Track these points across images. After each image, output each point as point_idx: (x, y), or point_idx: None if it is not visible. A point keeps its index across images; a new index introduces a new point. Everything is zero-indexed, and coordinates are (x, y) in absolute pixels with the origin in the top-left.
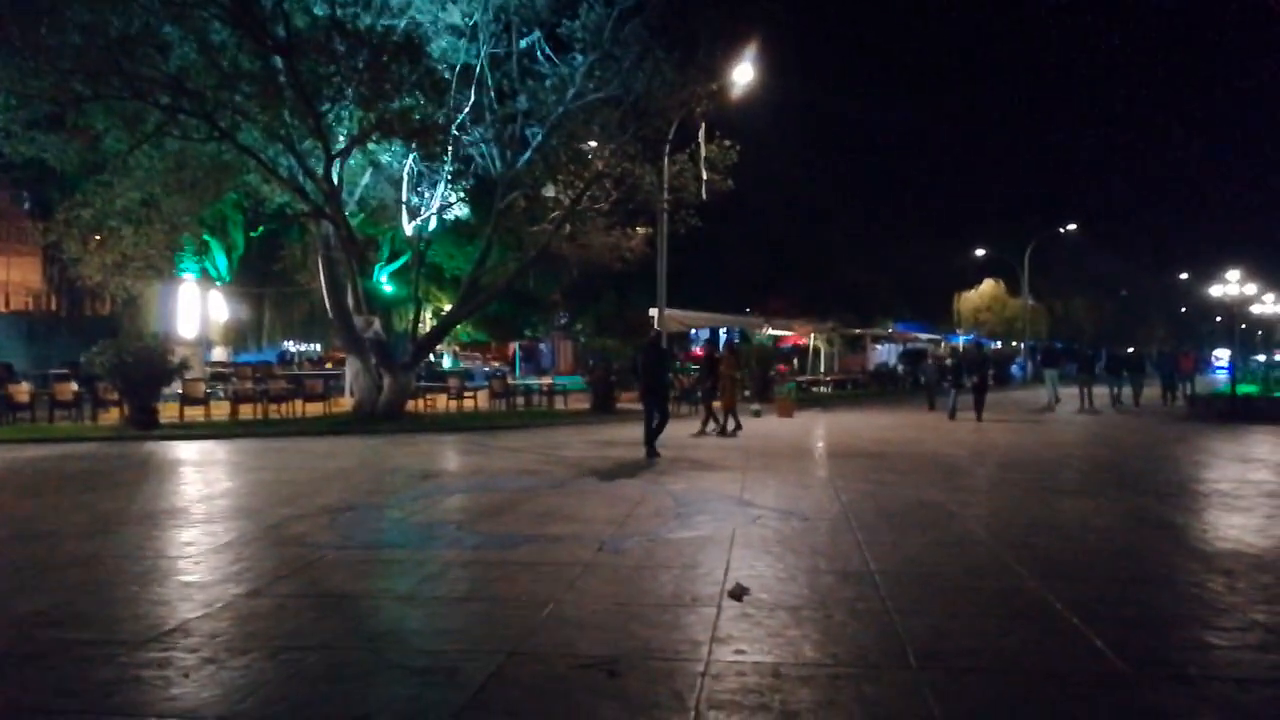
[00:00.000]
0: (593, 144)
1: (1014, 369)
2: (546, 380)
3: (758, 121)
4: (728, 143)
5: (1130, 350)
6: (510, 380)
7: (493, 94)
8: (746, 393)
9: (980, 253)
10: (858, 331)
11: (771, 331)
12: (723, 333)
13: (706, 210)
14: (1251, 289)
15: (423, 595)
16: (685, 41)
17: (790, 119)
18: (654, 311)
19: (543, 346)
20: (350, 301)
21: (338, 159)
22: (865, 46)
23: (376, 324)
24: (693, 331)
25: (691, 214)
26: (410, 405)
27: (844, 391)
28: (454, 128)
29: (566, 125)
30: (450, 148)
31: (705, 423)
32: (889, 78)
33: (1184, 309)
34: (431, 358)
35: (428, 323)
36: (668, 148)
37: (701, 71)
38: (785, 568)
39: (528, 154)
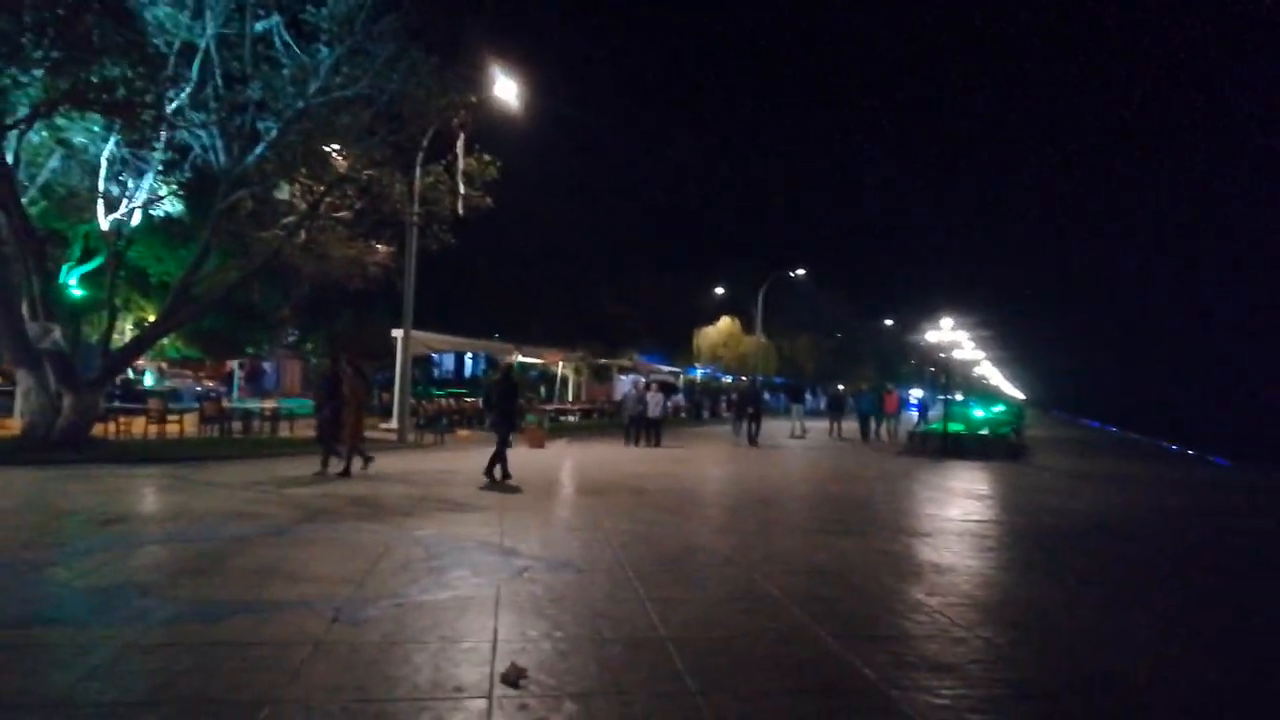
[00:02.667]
0: (336, 145)
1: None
2: (270, 403)
3: (519, 142)
4: (487, 157)
5: (839, 388)
6: (226, 403)
7: (219, 78)
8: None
9: (720, 291)
10: (604, 361)
11: (521, 358)
12: (469, 357)
13: (461, 228)
14: (957, 335)
15: (82, 699)
16: (447, 47)
17: (551, 143)
18: (397, 332)
19: (267, 366)
20: (24, 305)
21: (13, 131)
22: (628, 82)
23: (57, 333)
24: (435, 355)
25: (445, 230)
26: (99, 430)
27: (591, 421)
28: (168, 109)
29: (306, 121)
30: (162, 132)
31: (325, 461)
32: (646, 115)
33: (889, 351)
34: (131, 375)
35: (128, 334)
36: (422, 157)
37: (462, 80)
38: (565, 636)
39: (259, 149)
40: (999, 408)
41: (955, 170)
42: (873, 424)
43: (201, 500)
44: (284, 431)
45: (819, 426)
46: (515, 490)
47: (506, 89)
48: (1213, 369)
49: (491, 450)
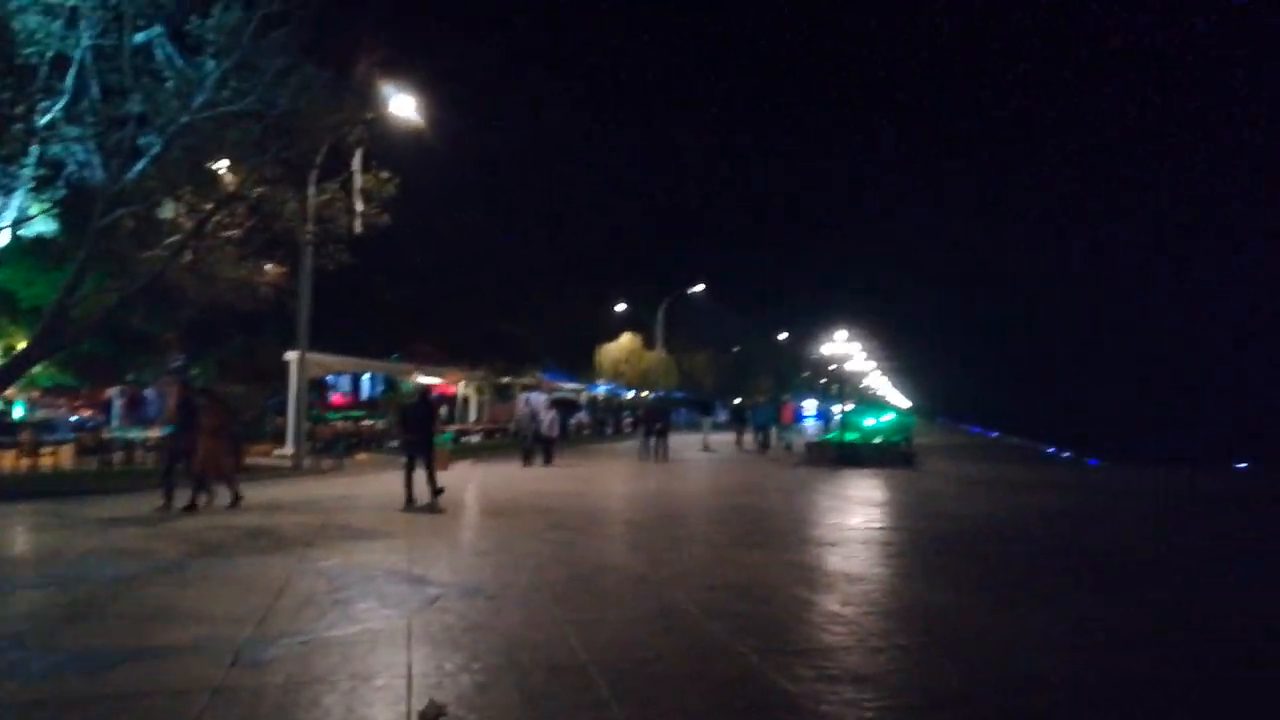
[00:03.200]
0: (225, 162)
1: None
2: (154, 432)
3: (418, 158)
4: (385, 174)
5: (737, 402)
6: (106, 433)
7: (97, 91)
8: (394, 443)
9: (621, 307)
10: (507, 380)
11: (422, 379)
12: (366, 379)
13: (358, 246)
14: (850, 346)
15: None
16: (340, 63)
17: (452, 160)
18: (291, 355)
19: (149, 393)
20: None
21: None
22: (531, 101)
23: None
24: (329, 378)
25: (342, 249)
26: None
27: (494, 441)
28: (40, 123)
29: (192, 137)
30: (33, 147)
31: (169, 496)
32: (547, 134)
33: (784, 364)
34: (0, 406)
35: None
36: (316, 174)
37: (358, 96)
38: (484, 667)
39: (140, 165)
40: (889, 416)
41: (849, 185)
42: (772, 434)
43: (81, 538)
44: None
45: (725, 439)
46: (421, 515)
47: (404, 105)
48: (1086, 375)
49: (406, 474)
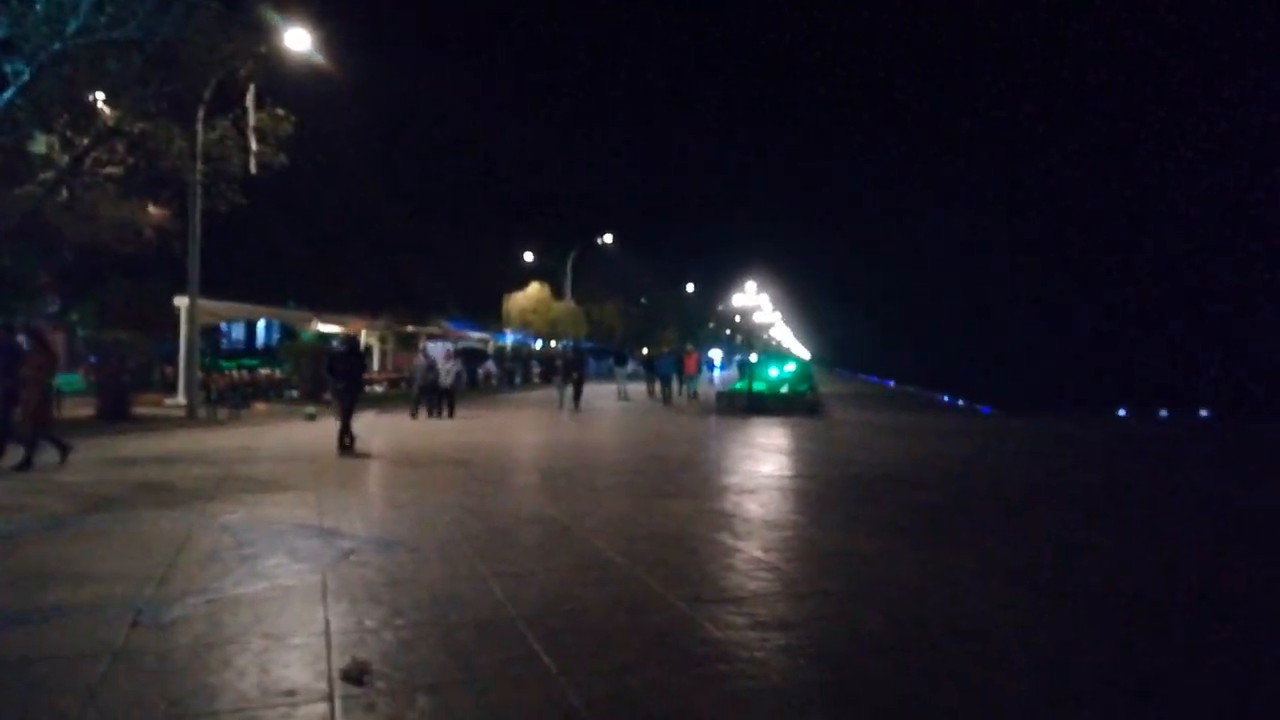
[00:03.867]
0: (102, 94)
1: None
2: None
3: (319, 97)
4: (280, 112)
5: (645, 352)
6: None
7: None
8: (294, 393)
9: (529, 256)
10: (411, 329)
11: (322, 327)
12: (260, 326)
13: (253, 187)
14: (758, 298)
15: None
16: None
17: (355, 100)
18: (180, 300)
19: (22, 339)
20: None
21: None
22: (436, 38)
23: None
24: (223, 325)
25: (235, 189)
26: None
27: (398, 391)
28: None
29: (67, 66)
30: None
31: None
32: (458, 72)
33: (691, 314)
34: None
35: None
36: (204, 110)
37: (249, 29)
38: (407, 623)
39: (8, 94)
40: (791, 366)
41: (758, 136)
42: (675, 385)
43: None
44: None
45: (638, 389)
46: (328, 466)
47: (301, 40)
48: (979, 327)
49: (343, 421)
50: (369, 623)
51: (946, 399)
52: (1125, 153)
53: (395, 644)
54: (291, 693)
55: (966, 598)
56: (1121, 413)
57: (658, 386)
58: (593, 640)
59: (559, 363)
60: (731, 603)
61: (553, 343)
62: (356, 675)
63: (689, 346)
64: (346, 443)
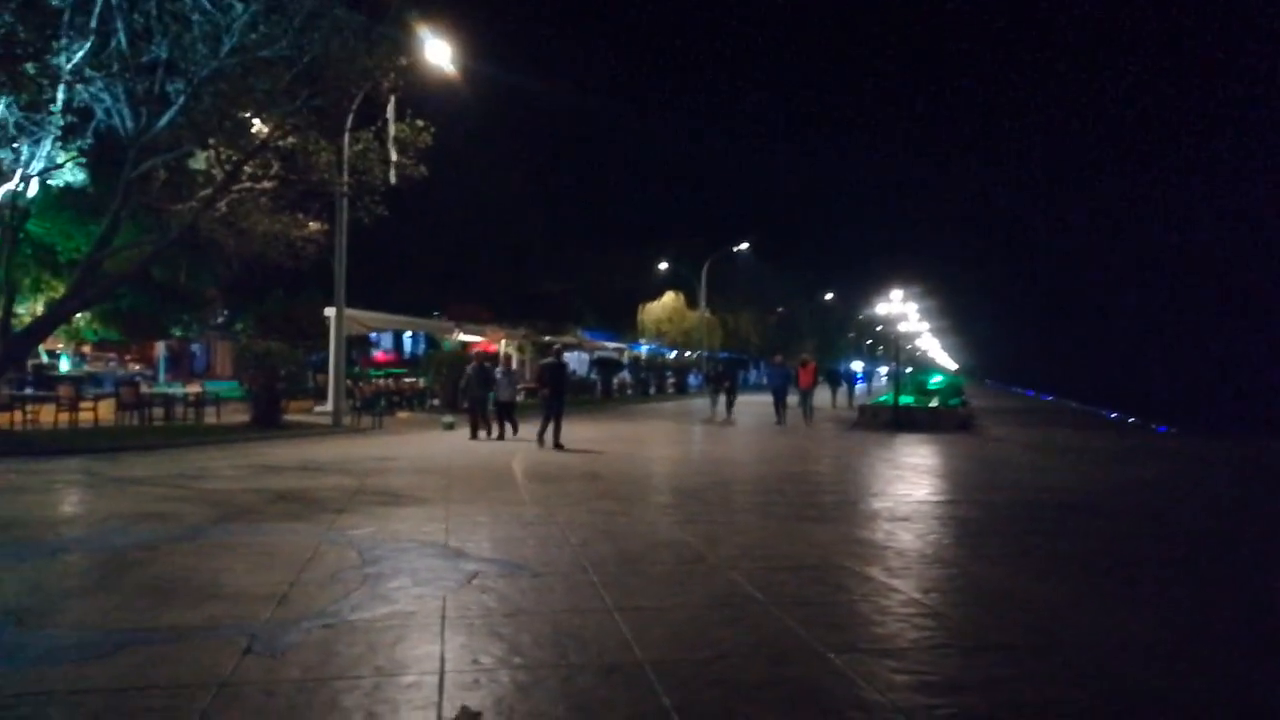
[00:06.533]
0: (255, 110)
1: (690, 379)
2: (194, 388)
3: (455, 108)
4: (420, 123)
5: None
6: (146, 387)
7: (123, 36)
8: (435, 402)
9: (663, 266)
10: (548, 339)
11: (463, 337)
12: (407, 337)
13: (394, 200)
14: (905, 307)
15: None
16: (373, 6)
17: (488, 112)
18: (330, 311)
19: (195, 348)
20: None
21: None
22: (572, 51)
23: None
24: (372, 335)
25: (377, 201)
26: (2, 420)
27: (536, 400)
28: (67, 69)
29: (221, 84)
30: (59, 94)
31: None
32: (588, 81)
33: (829, 324)
34: (46, 359)
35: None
36: (350, 122)
37: (391, 42)
38: (525, 663)
39: (170, 114)
40: (938, 379)
41: (898, 140)
42: (797, 401)
43: (107, 499)
44: (210, 417)
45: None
46: (460, 477)
47: (439, 51)
48: (1143, 340)
49: (543, 423)
50: (485, 660)
51: (1114, 415)
52: None
53: (511, 688)
54: None
55: (1174, 659)
56: None
57: (721, 403)
58: (728, 693)
59: (712, 371)
60: (890, 655)
61: (687, 353)
62: None
63: (805, 357)
64: (558, 445)
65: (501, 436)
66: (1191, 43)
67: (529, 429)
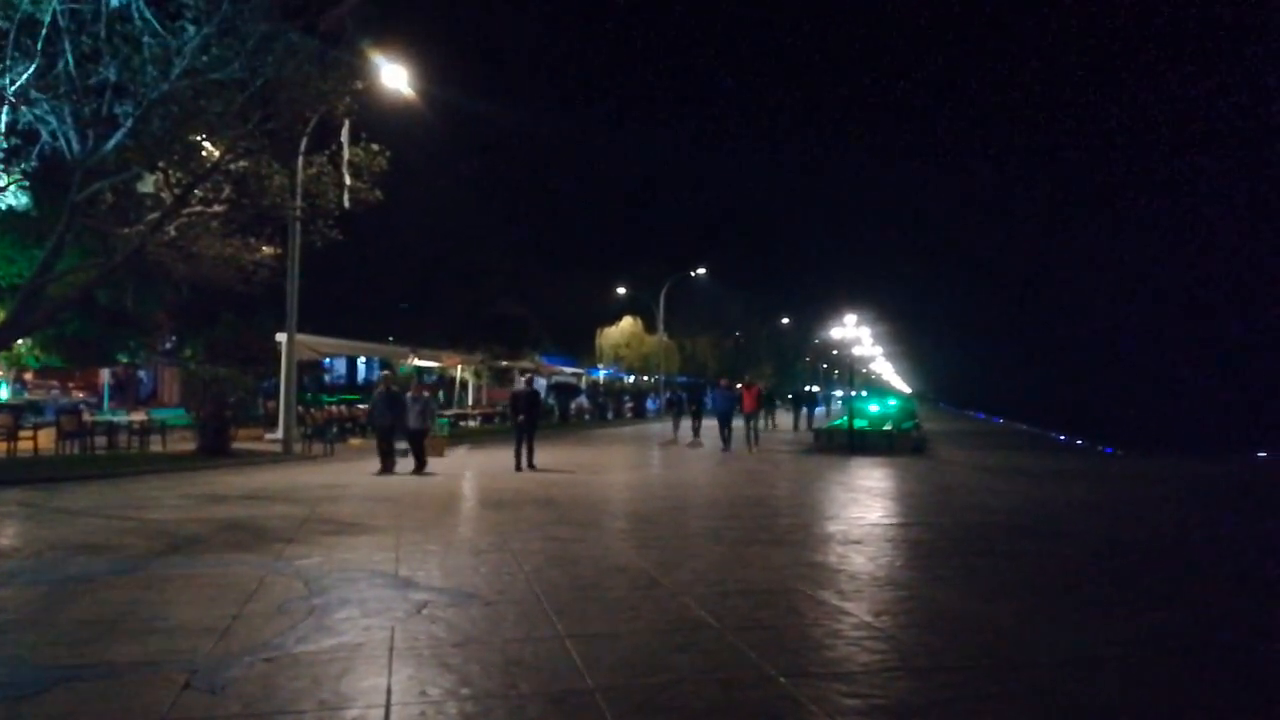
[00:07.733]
0: (206, 134)
1: (649, 404)
2: (139, 415)
3: (412, 134)
4: (375, 147)
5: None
6: (88, 415)
7: (70, 58)
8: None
9: (622, 290)
10: (505, 364)
11: (418, 363)
12: (361, 362)
13: (350, 224)
14: (859, 331)
15: None
16: (328, 31)
17: (446, 136)
18: (281, 336)
19: (141, 375)
20: None
21: None
22: (532, 74)
23: None
24: (326, 360)
25: (331, 225)
26: None
27: (493, 425)
28: (11, 91)
29: (171, 106)
30: (3, 117)
31: None
32: (548, 106)
33: (785, 348)
34: None
35: None
36: (304, 145)
37: (346, 66)
38: (473, 693)
39: (117, 136)
40: (892, 402)
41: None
42: (738, 424)
43: (46, 530)
44: (156, 445)
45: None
46: (412, 505)
47: (396, 75)
48: (1091, 363)
49: (516, 446)
50: (433, 691)
51: (1063, 438)
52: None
53: (459, 719)
54: None
55: (1118, 675)
56: (1262, 454)
57: (685, 426)
58: None
59: (672, 396)
60: (841, 679)
61: (645, 377)
62: None
63: (747, 378)
64: (532, 465)
65: (420, 469)
66: (1130, 74)
67: (445, 463)
